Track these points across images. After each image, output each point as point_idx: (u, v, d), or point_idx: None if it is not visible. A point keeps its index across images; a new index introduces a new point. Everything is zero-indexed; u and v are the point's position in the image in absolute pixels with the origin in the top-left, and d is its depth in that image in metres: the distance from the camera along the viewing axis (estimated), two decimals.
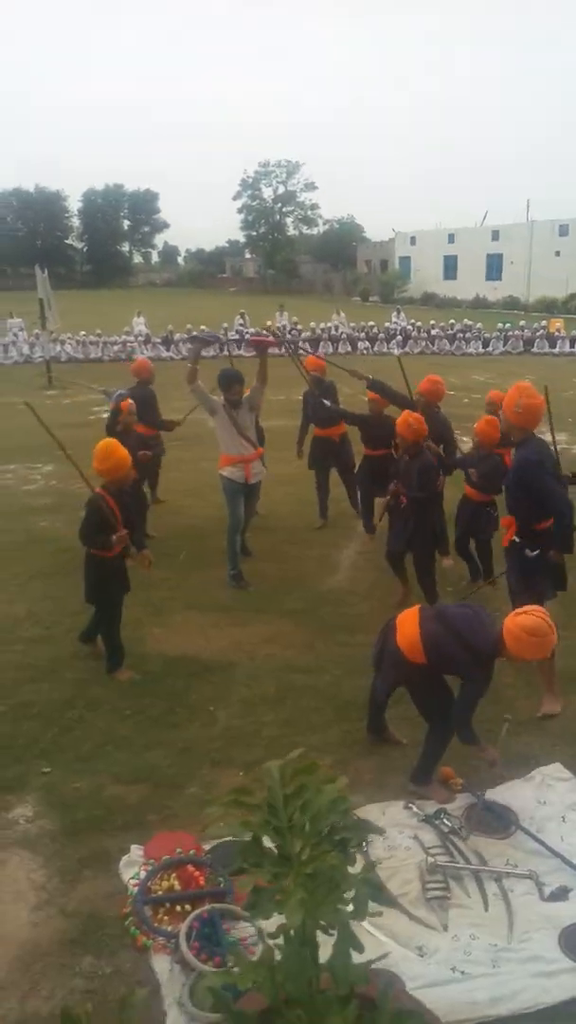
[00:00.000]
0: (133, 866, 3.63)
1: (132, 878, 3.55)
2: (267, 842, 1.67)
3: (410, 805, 4.03)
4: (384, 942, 3.05)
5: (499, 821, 3.93)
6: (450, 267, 52.96)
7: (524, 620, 3.77)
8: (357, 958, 1.60)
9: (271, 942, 1.64)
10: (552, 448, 5.28)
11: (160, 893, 3.43)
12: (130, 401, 7.22)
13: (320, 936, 1.63)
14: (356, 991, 1.49)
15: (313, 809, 1.57)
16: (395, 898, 3.32)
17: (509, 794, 4.13)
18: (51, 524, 8.64)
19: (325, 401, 7.95)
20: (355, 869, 1.64)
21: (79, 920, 3.37)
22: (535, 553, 4.88)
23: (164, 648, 5.82)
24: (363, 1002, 1.47)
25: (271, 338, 7.07)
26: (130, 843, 3.79)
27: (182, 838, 3.76)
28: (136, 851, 3.72)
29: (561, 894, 3.45)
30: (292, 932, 1.48)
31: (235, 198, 73.50)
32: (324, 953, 1.70)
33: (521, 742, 4.59)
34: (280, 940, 1.58)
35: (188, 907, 3.34)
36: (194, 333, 8.71)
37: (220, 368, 6.99)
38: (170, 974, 3.07)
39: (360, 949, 1.63)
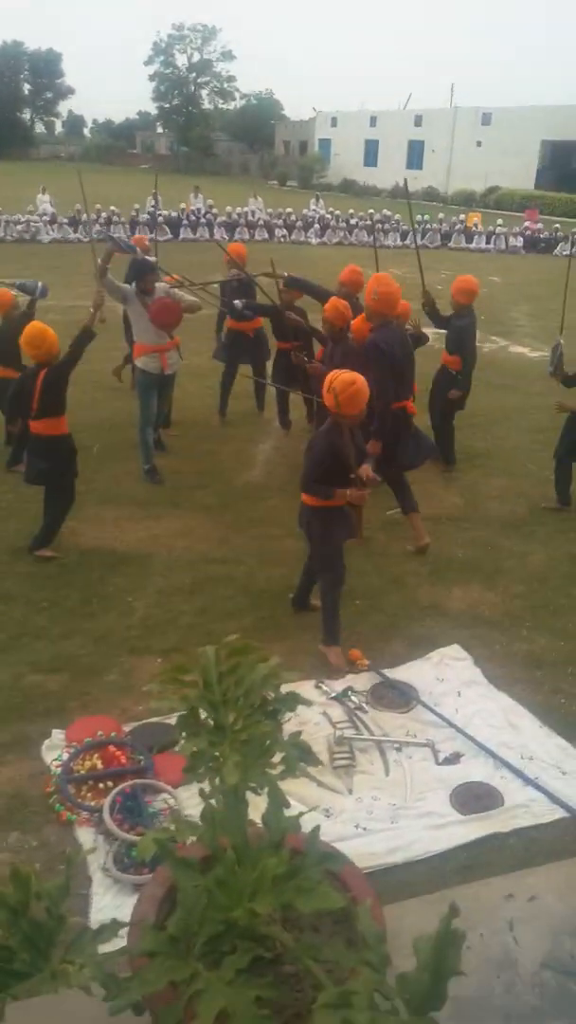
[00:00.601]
0: (55, 749, 3.77)
1: (55, 760, 3.69)
2: (203, 715, 1.80)
3: (320, 684, 4.30)
4: (294, 805, 3.32)
5: (401, 697, 4.24)
6: (371, 152, 51.23)
7: (336, 383, 4.24)
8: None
9: (209, 801, 1.79)
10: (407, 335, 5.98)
11: (83, 772, 3.59)
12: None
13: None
14: (286, 840, 1.67)
15: (246, 684, 1.68)
16: (321, 761, 3.60)
17: (410, 673, 4.45)
18: None
19: (236, 302, 7.74)
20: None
21: (3, 800, 3.50)
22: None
23: (79, 541, 5.83)
24: (292, 850, 1.66)
25: (176, 304, 6.48)
26: (51, 728, 3.91)
27: (103, 721, 3.91)
28: (58, 735, 3.86)
29: (454, 759, 3.81)
30: (227, 791, 1.62)
31: (146, 63, 68.45)
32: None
33: (423, 626, 4.90)
34: (214, 801, 1.74)
35: (111, 784, 3.52)
36: (113, 236, 8.14)
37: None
38: (94, 843, 3.27)
39: (287, 805, 1.81)
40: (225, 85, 70.35)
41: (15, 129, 71.02)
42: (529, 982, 1.58)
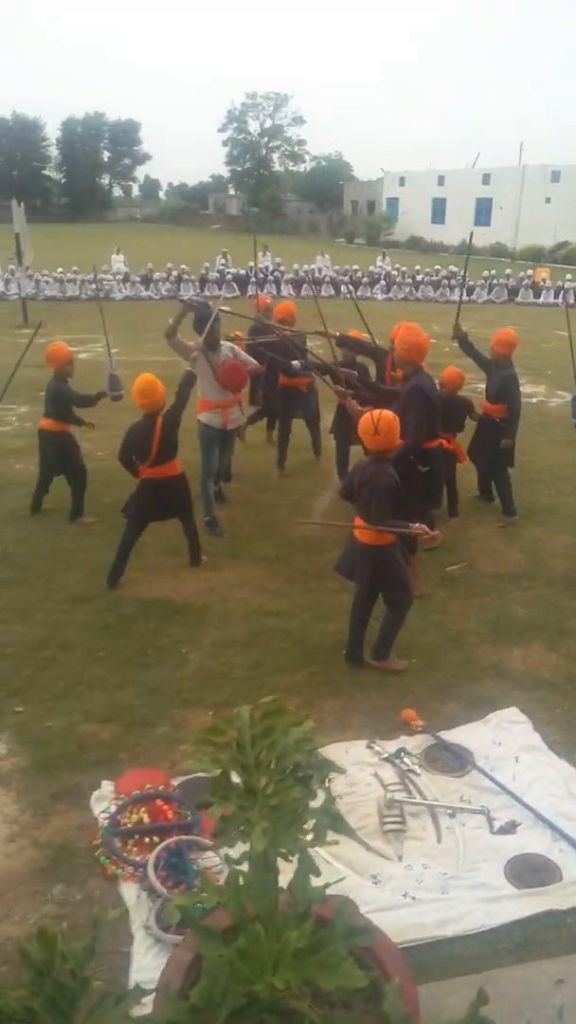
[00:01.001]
0: (104, 800, 3.77)
1: (103, 811, 3.69)
2: (235, 778, 1.78)
3: (372, 745, 4.20)
4: (341, 870, 3.23)
5: (456, 760, 4.11)
6: (438, 210, 51.96)
7: (382, 423, 4.57)
8: (315, 882, 1.75)
9: (236, 867, 1.76)
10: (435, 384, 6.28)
11: (129, 826, 3.58)
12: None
13: (281, 863, 1.77)
14: (313, 911, 1.63)
15: (279, 748, 1.66)
16: (352, 828, 3.50)
17: (466, 735, 4.31)
18: (25, 467, 8.59)
19: (294, 363, 7.86)
20: (317, 803, 1.76)
21: (51, 851, 3.51)
22: (427, 469, 5.82)
23: (138, 591, 5.90)
24: (319, 920, 1.61)
25: (243, 367, 6.82)
26: (101, 779, 3.92)
27: (152, 774, 3.90)
28: (107, 786, 3.86)
29: (509, 828, 3.65)
30: (256, 858, 1.59)
31: (220, 130, 71.77)
32: (283, 879, 1.84)
33: (481, 687, 4.77)
34: (244, 866, 1.70)
35: (156, 839, 3.50)
36: (184, 297, 8.24)
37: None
38: (137, 900, 3.23)
39: (317, 873, 1.76)
40: (296, 148, 73.14)
41: (95, 194, 75.22)
42: None
